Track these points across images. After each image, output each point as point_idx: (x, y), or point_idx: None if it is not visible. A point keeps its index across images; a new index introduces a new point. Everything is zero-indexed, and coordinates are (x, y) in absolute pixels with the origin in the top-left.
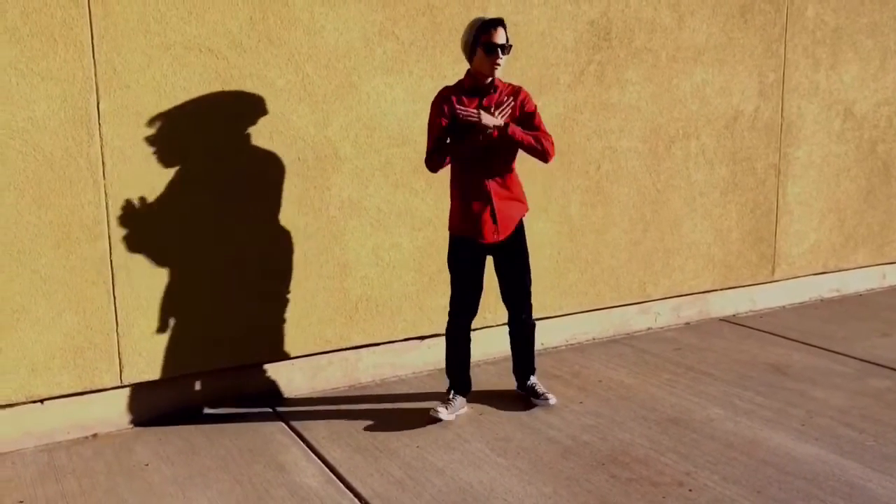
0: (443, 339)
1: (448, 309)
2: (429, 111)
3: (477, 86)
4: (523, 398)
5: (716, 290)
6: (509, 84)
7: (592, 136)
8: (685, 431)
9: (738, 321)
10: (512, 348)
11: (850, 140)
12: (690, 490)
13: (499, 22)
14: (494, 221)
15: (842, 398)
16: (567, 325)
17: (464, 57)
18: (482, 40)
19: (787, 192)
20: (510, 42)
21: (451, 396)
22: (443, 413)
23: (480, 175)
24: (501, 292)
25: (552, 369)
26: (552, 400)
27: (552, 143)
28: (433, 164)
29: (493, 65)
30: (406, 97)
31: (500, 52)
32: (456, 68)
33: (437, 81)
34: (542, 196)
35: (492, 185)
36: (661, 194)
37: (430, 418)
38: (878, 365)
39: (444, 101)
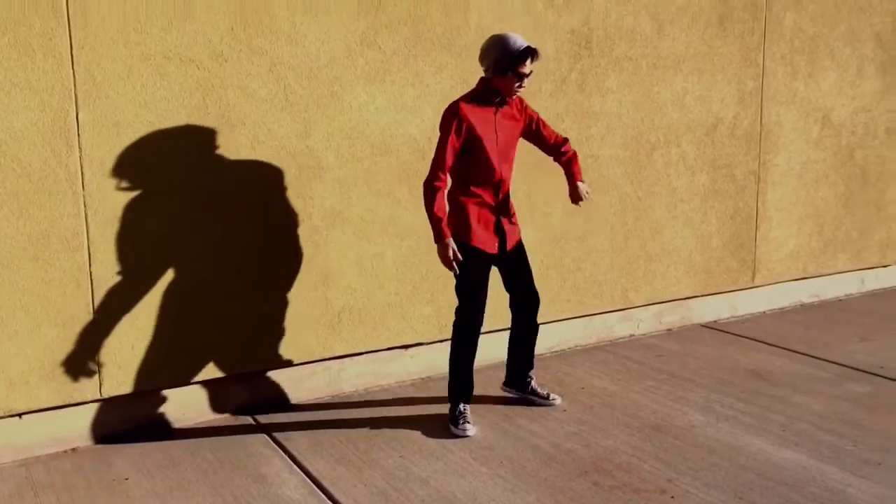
0: (426, 348)
1: (456, 319)
2: (439, 122)
3: (490, 97)
4: (518, 400)
5: (697, 297)
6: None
7: (574, 144)
8: (667, 438)
9: (719, 327)
10: (518, 351)
11: (829, 147)
12: (672, 497)
13: (535, 53)
14: (504, 232)
15: (822, 403)
16: (550, 332)
17: (481, 67)
18: (517, 68)
19: (767, 199)
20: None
21: (464, 409)
22: (470, 430)
23: (495, 191)
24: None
25: (536, 377)
26: (558, 400)
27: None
28: (434, 193)
29: (518, 90)
30: (388, 106)
31: (525, 79)
32: (438, 77)
33: (419, 90)
34: (525, 204)
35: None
36: (642, 201)
37: (455, 434)
38: (857, 370)
39: (460, 119)
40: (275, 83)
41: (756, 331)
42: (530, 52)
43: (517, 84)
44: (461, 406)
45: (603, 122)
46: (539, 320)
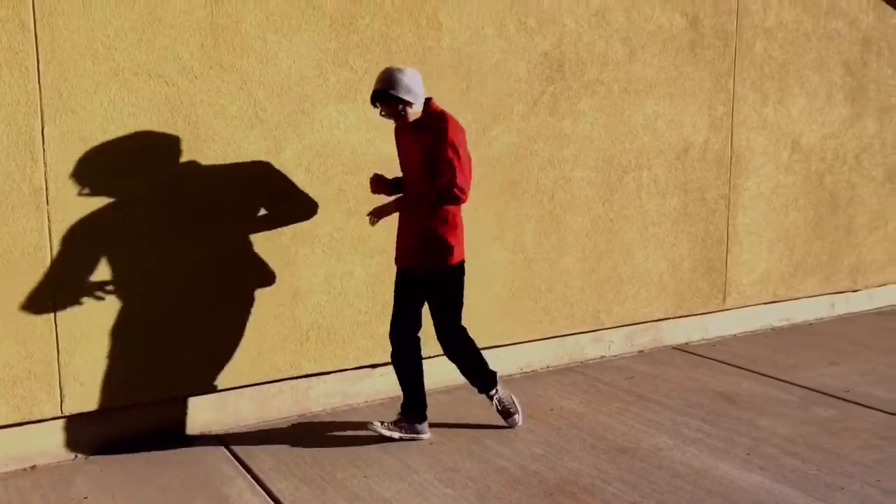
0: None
1: (461, 333)
2: (454, 135)
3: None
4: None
5: (668, 319)
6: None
7: (546, 166)
8: (633, 460)
9: (690, 349)
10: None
11: (798, 172)
12: None
13: (372, 100)
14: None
15: (787, 427)
16: (521, 353)
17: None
18: None
19: (738, 223)
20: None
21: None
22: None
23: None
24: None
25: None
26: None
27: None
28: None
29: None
30: (359, 125)
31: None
32: None
33: None
34: (496, 225)
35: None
36: (613, 223)
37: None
38: (823, 394)
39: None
40: (245, 100)
41: (726, 353)
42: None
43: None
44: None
45: (575, 144)
46: (509, 340)
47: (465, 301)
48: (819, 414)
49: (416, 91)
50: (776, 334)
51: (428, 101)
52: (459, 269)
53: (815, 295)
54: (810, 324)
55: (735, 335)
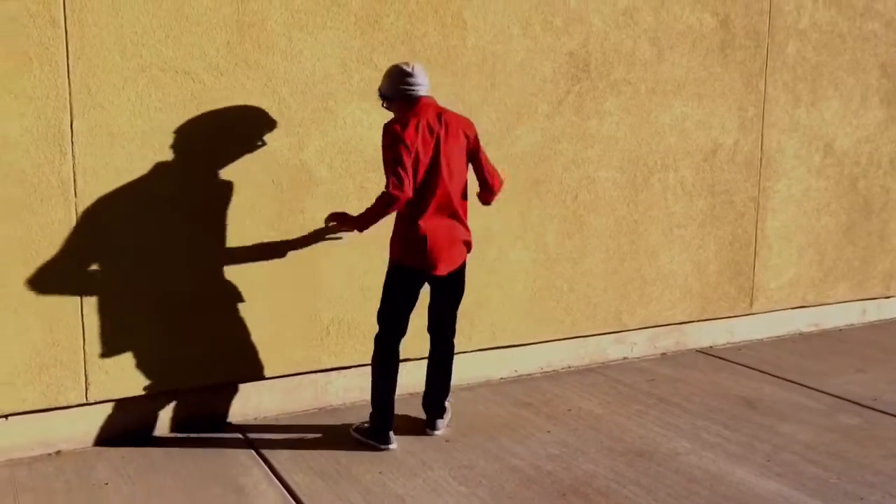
0: (415, 364)
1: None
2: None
3: None
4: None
5: (693, 322)
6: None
7: (570, 166)
8: (649, 464)
9: (714, 353)
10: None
11: (831, 176)
12: None
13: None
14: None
15: (809, 434)
16: (542, 352)
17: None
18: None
19: (767, 226)
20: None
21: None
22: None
23: None
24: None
25: (524, 396)
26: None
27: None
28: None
29: None
30: (382, 123)
31: None
32: (434, 96)
33: None
34: (519, 224)
35: None
36: (638, 224)
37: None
38: (849, 401)
39: None
40: (269, 97)
41: (751, 358)
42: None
43: None
44: None
45: (600, 144)
46: (530, 340)
47: (486, 300)
48: (843, 421)
49: (385, 88)
50: (804, 340)
51: (416, 99)
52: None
53: (845, 301)
54: (840, 330)
55: (762, 340)
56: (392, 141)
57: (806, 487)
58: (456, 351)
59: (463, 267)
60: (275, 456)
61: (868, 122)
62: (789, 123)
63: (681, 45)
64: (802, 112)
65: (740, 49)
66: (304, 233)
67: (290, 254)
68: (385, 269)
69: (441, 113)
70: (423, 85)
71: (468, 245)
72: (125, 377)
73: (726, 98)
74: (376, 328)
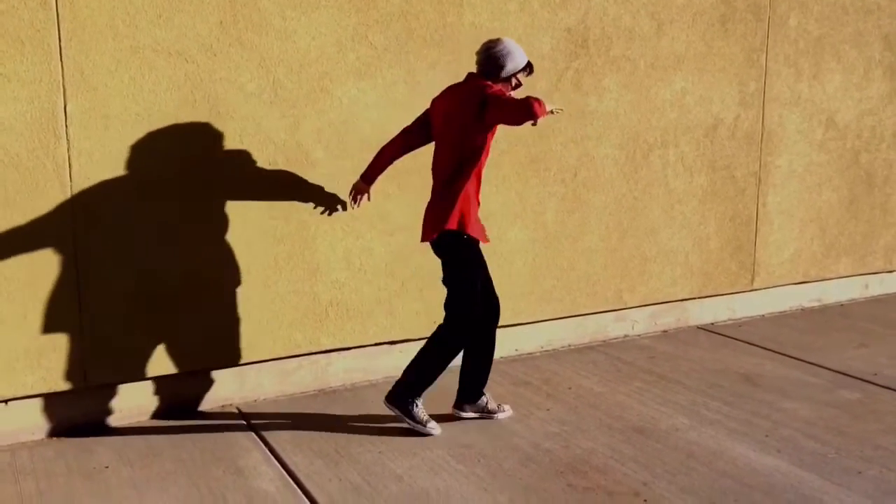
0: (415, 344)
1: (461, 311)
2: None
3: None
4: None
5: (694, 299)
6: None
7: (569, 143)
8: (648, 441)
9: (715, 329)
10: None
11: (833, 150)
12: (645, 500)
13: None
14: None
15: (809, 409)
16: (542, 331)
17: (483, 66)
18: (521, 78)
19: (768, 202)
20: None
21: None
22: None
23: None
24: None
25: (524, 375)
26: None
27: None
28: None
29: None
30: (379, 102)
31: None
32: (430, 74)
33: (410, 87)
34: (518, 203)
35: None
36: (638, 202)
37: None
38: (850, 377)
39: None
40: (264, 77)
41: (752, 334)
42: (531, 67)
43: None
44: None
45: (599, 121)
46: (531, 318)
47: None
48: (844, 397)
49: (514, 63)
50: (805, 315)
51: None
52: (470, 240)
53: (847, 276)
54: (842, 305)
55: (763, 316)
56: (501, 91)
57: (804, 462)
58: None
59: None
60: (274, 437)
61: (871, 95)
62: (791, 97)
63: (681, 20)
64: (804, 86)
65: (741, 22)
66: (301, 214)
67: (288, 235)
68: (383, 248)
69: None
70: None
71: None
72: (124, 361)
73: (727, 73)
74: (374, 311)
